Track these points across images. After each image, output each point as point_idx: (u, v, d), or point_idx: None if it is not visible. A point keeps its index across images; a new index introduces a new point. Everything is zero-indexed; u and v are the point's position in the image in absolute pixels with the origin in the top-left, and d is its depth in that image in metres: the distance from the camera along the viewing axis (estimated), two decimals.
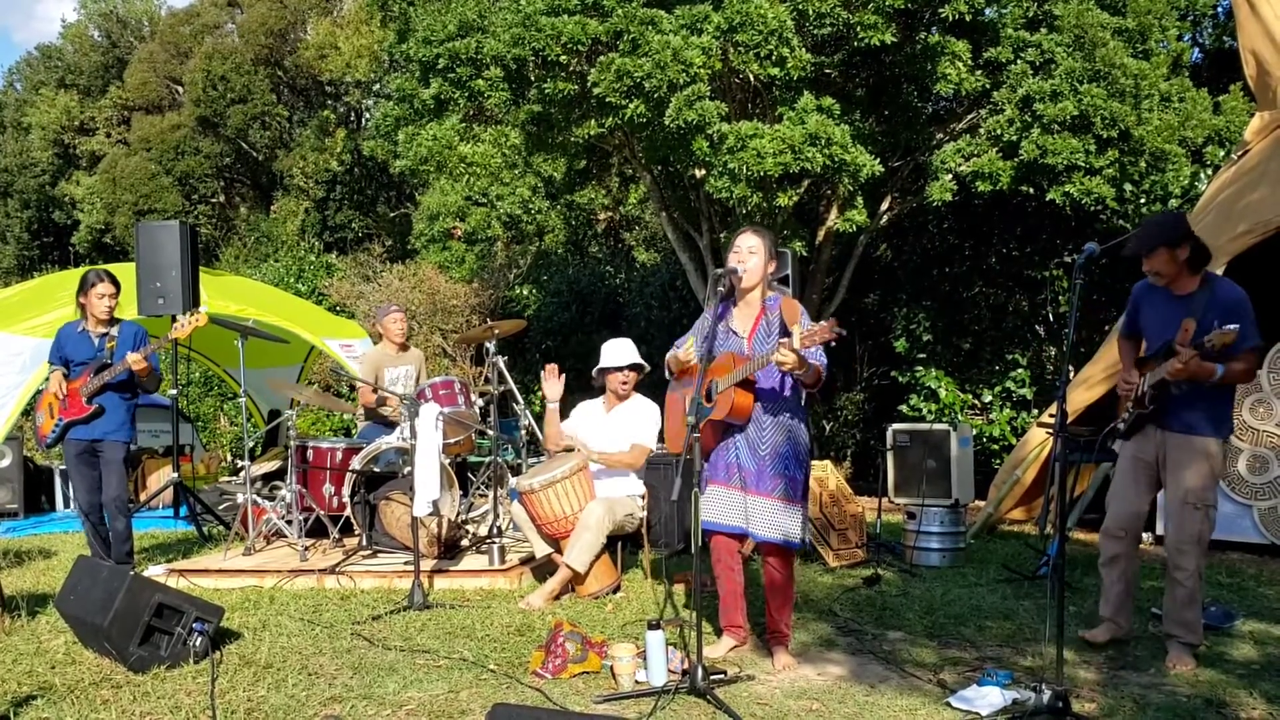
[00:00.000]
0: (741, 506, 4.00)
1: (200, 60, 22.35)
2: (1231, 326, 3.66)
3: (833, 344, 3.64)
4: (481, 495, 6.91)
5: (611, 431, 5.53)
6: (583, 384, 5.86)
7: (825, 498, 6.11)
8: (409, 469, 5.37)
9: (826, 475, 6.22)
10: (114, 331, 5.74)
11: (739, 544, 4.18)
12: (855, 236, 9.91)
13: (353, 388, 7.43)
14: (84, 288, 5.72)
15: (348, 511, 6.17)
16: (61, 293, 8.54)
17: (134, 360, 5.51)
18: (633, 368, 5.55)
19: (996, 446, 9.72)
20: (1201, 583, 4.04)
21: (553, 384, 5.66)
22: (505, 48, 8.20)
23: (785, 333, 3.86)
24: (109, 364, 5.61)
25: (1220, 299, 3.93)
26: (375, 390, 6.71)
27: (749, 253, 4.00)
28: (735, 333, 4.09)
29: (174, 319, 7.44)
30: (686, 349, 4.12)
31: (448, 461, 5.69)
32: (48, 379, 5.81)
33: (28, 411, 8.19)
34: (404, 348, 7.16)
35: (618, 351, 5.57)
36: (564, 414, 5.75)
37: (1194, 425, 3.98)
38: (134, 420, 5.82)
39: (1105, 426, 4.35)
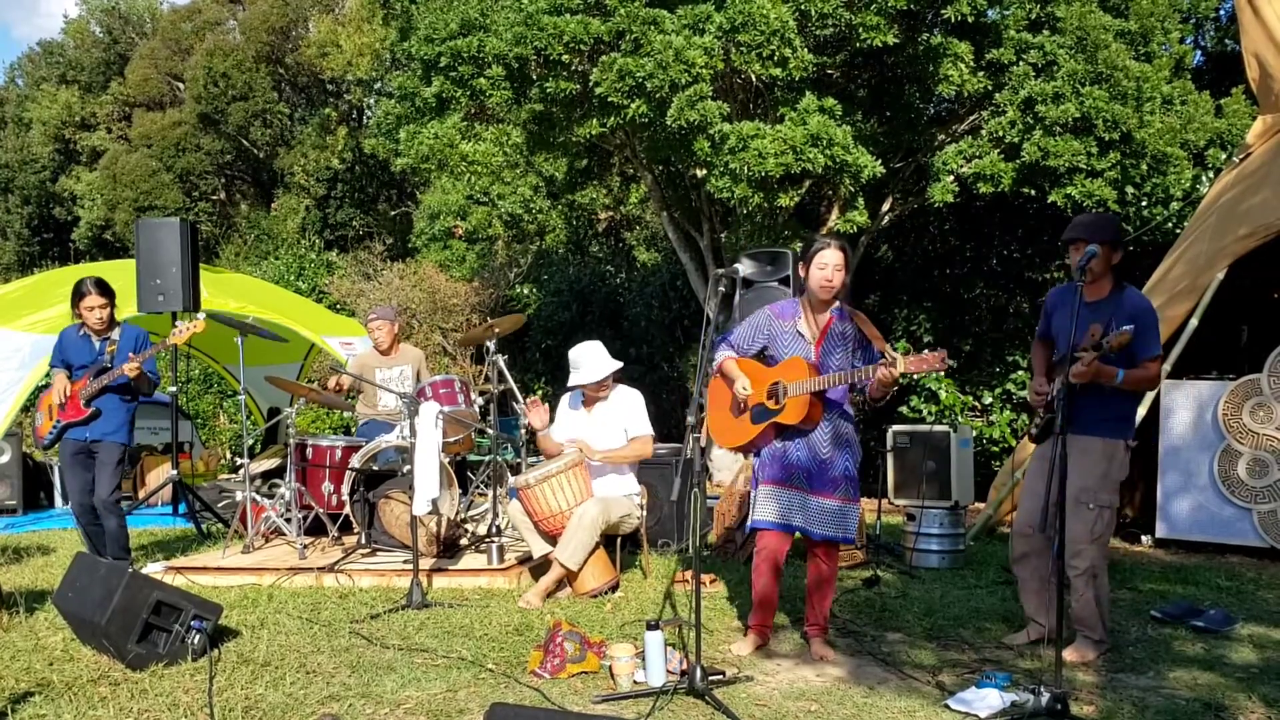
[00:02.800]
0: (801, 506, 4.08)
1: (201, 57, 22.33)
2: (1127, 327, 3.77)
3: (941, 373, 3.76)
4: (481, 494, 6.90)
5: (599, 429, 5.48)
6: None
7: None
8: (408, 467, 5.36)
9: None
10: (115, 335, 5.71)
11: (788, 542, 4.22)
12: (856, 237, 9.90)
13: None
14: (74, 299, 5.67)
15: (347, 510, 6.16)
16: (61, 289, 8.52)
17: (129, 368, 5.51)
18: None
19: (996, 448, 9.72)
20: (1099, 580, 4.10)
21: (537, 414, 5.58)
22: (507, 46, 8.20)
23: (863, 343, 4.05)
24: (108, 368, 5.59)
25: (1127, 307, 4.04)
26: (350, 383, 7.00)
27: (835, 269, 4.07)
28: (803, 337, 4.14)
29: (174, 320, 7.44)
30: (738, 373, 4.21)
31: (447, 460, 5.68)
32: (48, 379, 5.78)
33: (27, 408, 8.18)
34: (387, 353, 7.10)
35: (591, 365, 5.40)
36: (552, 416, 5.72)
37: (1092, 427, 4.06)
38: (133, 423, 5.80)
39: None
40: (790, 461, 4.10)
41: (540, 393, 13.52)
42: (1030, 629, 4.30)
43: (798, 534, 4.19)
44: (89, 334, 5.69)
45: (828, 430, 4.10)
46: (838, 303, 4.17)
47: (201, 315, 5.96)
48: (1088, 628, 4.11)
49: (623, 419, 5.46)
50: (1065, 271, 9.89)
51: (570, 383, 5.49)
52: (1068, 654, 4.00)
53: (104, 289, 5.68)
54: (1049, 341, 4.40)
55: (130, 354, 5.59)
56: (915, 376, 10.17)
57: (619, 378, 5.61)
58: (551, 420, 5.66)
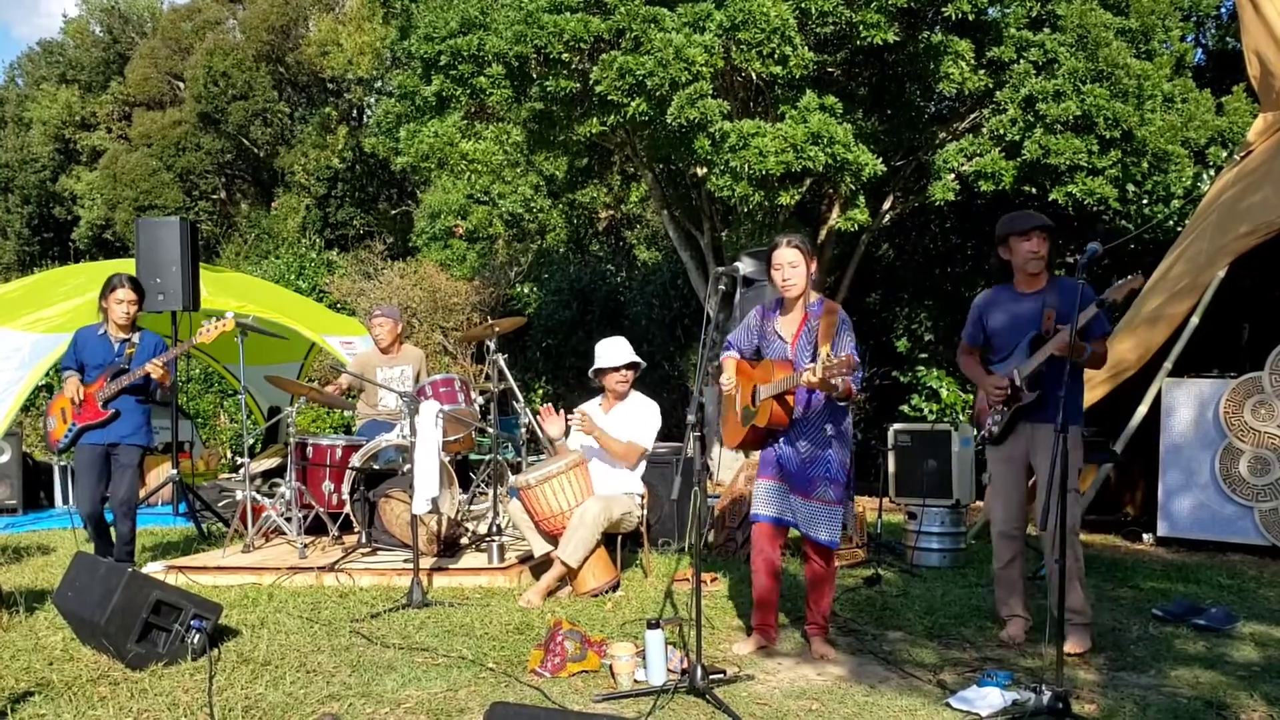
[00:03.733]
0: (790, 505, 4.10)
1: (201, 56, 22.33)
2: (1131, 276, 3.88)
3: (859, 379, 3.79)
4: (481, 493, 6.90)
5: (611, 429, 5.51)
6: (585, 383, 5.85)
7: None
8: (409, 466, 5.36)
9: None
10: (135, 339, 5.69)
11: (782, 537, 4.20)
12: (857, 236, 9.90)
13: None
14: (105, 291, 5.65)
15: (347, 509, 6.16)
16: (61, 288, 8.54)
17: (153, 367, 5.48)
18: (629, 366, 5.53)
19: None
20: (1079, 565, 4.18)
21: (552, 422, 5.61)
22: (507, 45, 8.20)
23: (816, 344, 3.95)
24: (126, 369, 5.57)
25: (1069, 289, 4.10)
26: (352, 385, 7.00)
27: (790, 267, 4.07)
28: (780, 337, 4.14)
29: (173, 320, 7.44)
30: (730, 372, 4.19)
31: (447, 459, 5.68)
32: (57, 379, 5.74)
33: (27, 407, 8.16)
34: (388, 351, 7.09)
35: (613, 351, 5.54)
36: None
37: (1058, 415, 4.02)
38: (149, 423, 5.79)
39: (1100, 428, 4.43)
40: (779, 460, 4.13)
41: (540, 392, 13.52)
42: (1021, 622, 4.33)
43: (793, 531, 4.19)
44: (108, 334, 5.66)
45: (808, 430, 4.08)
46: (815, 298, 4.14)
47: (230, 314, 5.94)
48: (1079, 614, 4.14)
49: (632, 428, 5.47)
50: (1066, 270, 9.89)
51: (593, 369, 5.56)
52: (1070, 647, 4.01)
53: (136, 286, 5.70)
54: (980, 348, 4.44)
55: (153, 361, 5.59)
56: (919, 377, 10.17)
57: (639, 386, 5.63)
58: (568, 429, 5.65)
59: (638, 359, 5.57)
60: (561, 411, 5.71)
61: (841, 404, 4.04)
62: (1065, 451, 3.53)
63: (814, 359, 3.92)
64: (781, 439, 4.11)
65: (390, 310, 7.23)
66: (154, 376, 5.51)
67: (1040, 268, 4.26)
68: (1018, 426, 4.25)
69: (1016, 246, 4.29)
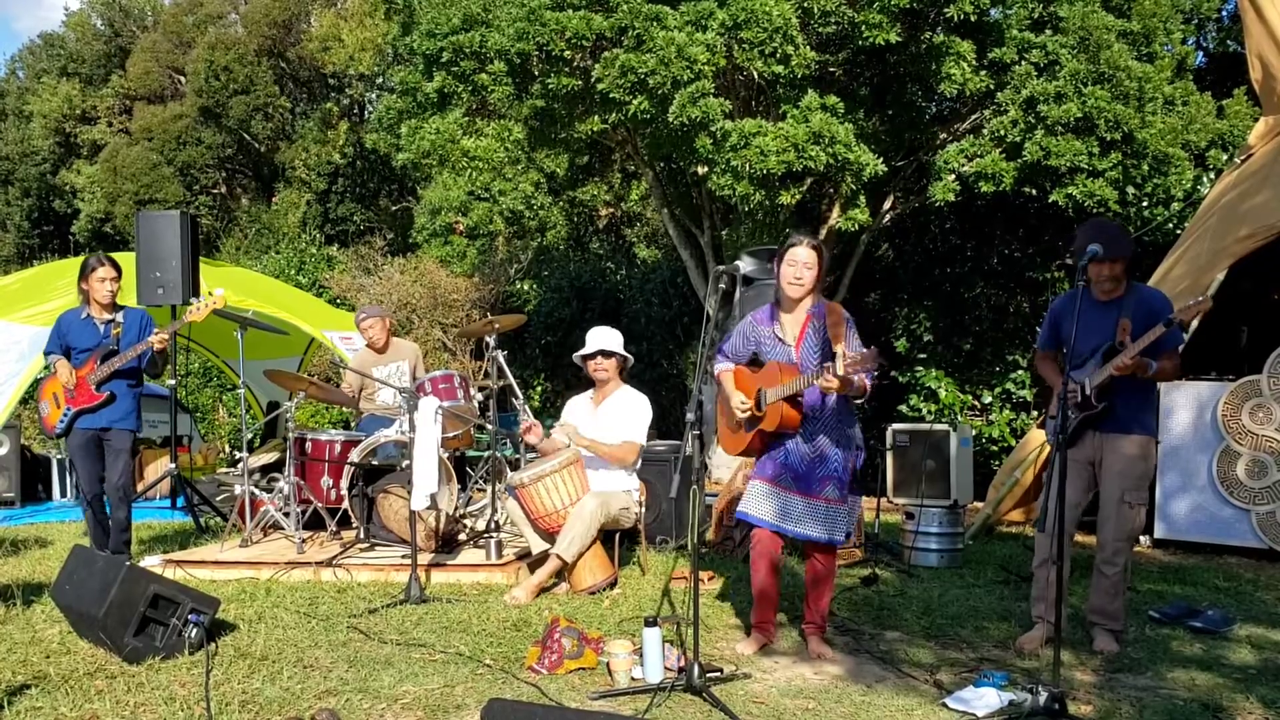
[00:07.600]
0: (786, 507, 4.06)
1: (203, 50, 22.32)
2: (1200, 299, 3.97)
3: (874, 373, 3.78)
4: (480, 490, 6.90)
5: (600, 425, 5.49)
6: (584, 382, 5.84)
7: None
8: (407, 462, 5.36)
9: None
10: (119, 318, 5.71)
11: (781, 540, 4.19)
12: (857, 235, 9.90)
13: None
14: (85, 273, 5.66)
15: (345, 504, 6.16)
16: (61, 281, 8.54)
17: (156, 341, 5.51)
18: (605, 354, 5.47)
19: (996, 448, 9.72)
20: (1128, 574, 4.25)
21: (533, 434, 5.59)
22: (509, 42, 8.19)
23: (829, 346, 3.91)
24: (116, 350, 5.58)
25: (1146, 300, 4.20)
26: (361, 389, 6.96)
27: (804, 267, 4.05)
28: (782, 340, 4.12)
29: (173, 314, 7.44)
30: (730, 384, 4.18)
31: (446, 455, 5.68)
32: (47, 367, 5.75)
33: (25, 400, 8.16)
34: (384, 350, 7.10)
35: (596, 338, 5.53)
36: (555, 414, 5.73)
37: (1129, 425, 4.17)
38: (140, 408, 5.81)
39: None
40: (781, 462, 4.10)
41: (539, 389, 13.52)
42: (1043, 629, 4.30)
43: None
44: (92, 317, 5.67)
45: (816, 431, 4.06)
46: (815, 300, 4.13)
47: (220, 291, 5.94)
48: (1114, 620, 4.19)
49: (622, 423, 5.46)
50: (1066, 271, 9.90)
51: (578, 354, 5.55)
52: (1097, 645, 4.13)
53: (114, 264, 5.71)
54: (1054, 351, 4.46)
55: (155, 330, 5.60)
56: (913, 376, 10.17)
57: (630, 379, 5.62)
58: (547, 430, 5.65)
59: (619, 351, 5.51)
60: (538, 423, 5.71)
61: (858, 400, 4.03)
62: (1064, 462, 3.54)
63: (822, 361, 3.91)
64: (789, 441, 4.08)
65: (375, 310, 7.24)
66: (155, 346, 5.51)
67: (1114, 286, 4.22)
68: (1085, 433, 4.26)
69: (1093, 267, 4.22)
